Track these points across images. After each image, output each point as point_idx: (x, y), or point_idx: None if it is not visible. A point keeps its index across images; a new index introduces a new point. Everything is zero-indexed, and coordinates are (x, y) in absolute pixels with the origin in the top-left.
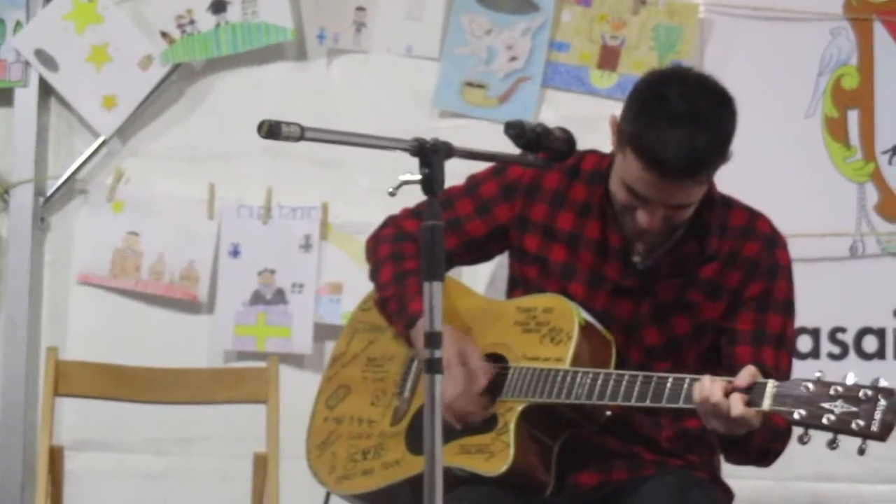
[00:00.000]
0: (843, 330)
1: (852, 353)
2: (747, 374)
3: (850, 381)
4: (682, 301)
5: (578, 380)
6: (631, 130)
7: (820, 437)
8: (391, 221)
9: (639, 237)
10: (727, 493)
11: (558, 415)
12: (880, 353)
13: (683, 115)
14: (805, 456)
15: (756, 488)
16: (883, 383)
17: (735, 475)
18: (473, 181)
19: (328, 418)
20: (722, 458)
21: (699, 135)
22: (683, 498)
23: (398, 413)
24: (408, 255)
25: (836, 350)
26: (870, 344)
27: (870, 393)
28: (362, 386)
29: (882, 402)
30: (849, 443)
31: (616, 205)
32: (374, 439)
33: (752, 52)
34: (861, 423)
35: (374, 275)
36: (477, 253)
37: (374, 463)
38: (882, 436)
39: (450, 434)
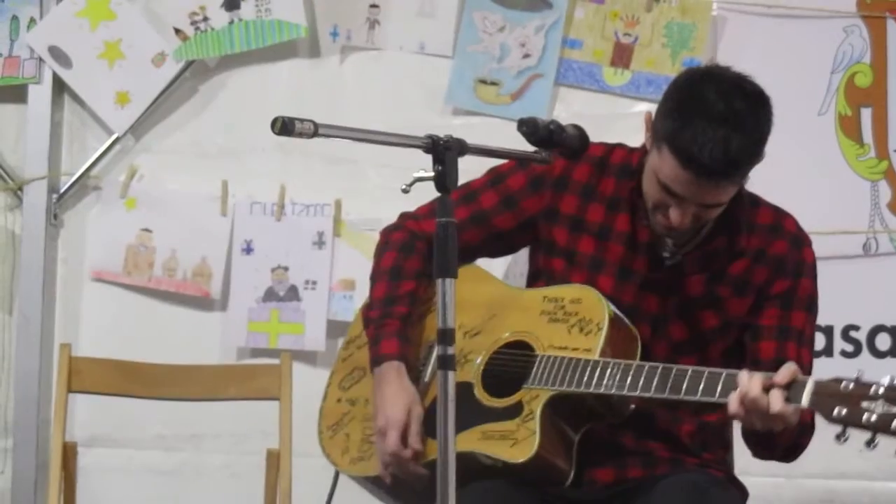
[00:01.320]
0: (856, 328)
1: (865, 351)
2: (787, 371)
3: (891, 381)
4: (710, 296)
5: (609, 371)
6: (668, 128)
7: (828, 433)
8: (404, 224)
9: (667, 233)
10: (742, 492)
11: (583, 406)
12: (893, 351)
13: (721, 116)
14: (817, 453)
15: (768, 485)
16: None
17: (747, 472)
18: (498, 174)
19: (342, 399)
20: (735, 455)
21: (735, 136)
22: (702, 496)
23: None
24: (407, 274)
25: (850, 348)
26: (883, 342)
27: None
28: None
29: None
30: (858, 439)
31: (647, 201)
32: None
33: (764, 50)
34: None
35: (371, 282)
36: (502, 245)
37: None
38: None
39: (472, 420)
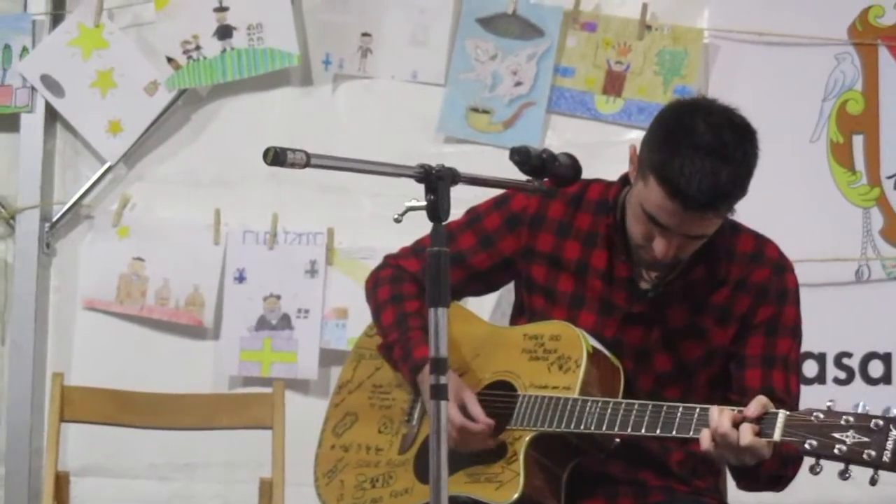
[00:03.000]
0: (848, 355)
1: (858, 379)
2: (758, 404)
3: (861, 410)
4: (692, 327)
5: (588, 409)
6: (655, 159)
7: (830, 465)
8: (389, 262)
9: (651, 267)
10: None
11: (567, 443)
12: (886, 378)
13: (709, 148)
14: (810, 481)
15: None
16: (894, 413)
17: (740, 500)
18: (475, 214)
19: (335, 446)
20: (727, 484)
21: (724, 168)
22: None
23: (406, 441)
24: (407, 297)
25: (842, 375)
26: (876, 369)
27: (881, 423)
28: (369, 413)
29: (894, 433)
30: (858, 469)
31: (632, 237)
32: (382, 467)
33: (756, 77)
34: (872, 453)
35: (376, 318)
36: (482, 285)
37: (383, 492)
38: (894, 466)
39: (458, 463)
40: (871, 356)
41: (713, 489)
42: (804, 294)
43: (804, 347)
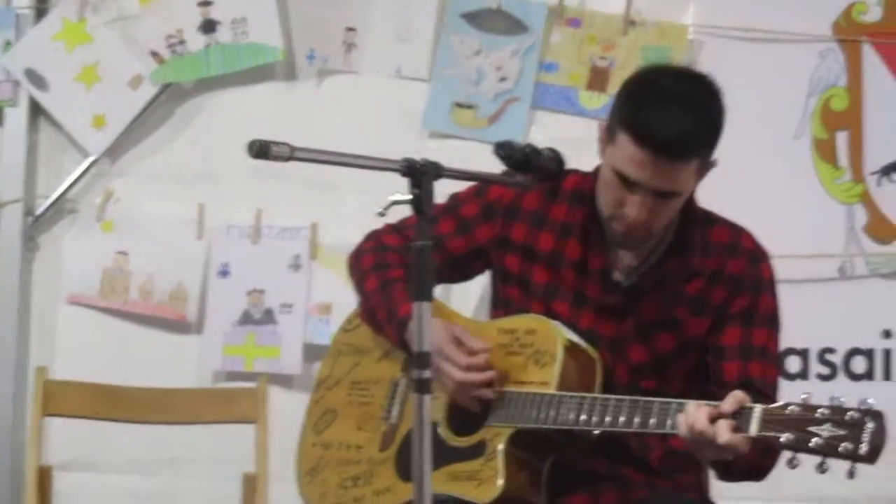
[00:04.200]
0: (831, 351)
1: (841, 374)
2: (734, 399)
3: (836, 403)
4: (667, 318)
5: (564, 405)
6: (622, 114)
7: (810, 460)
8: (372, 235)
9: (625, 240)
10: None
11: (546, 438)
12: (869, 374)
13: (676, 96)
14: (794, 477)
15: None
16: (870, 403)
17: (725, 496)
18: (456, 200)
19: (316, 444)
20: (710, 479)
21: (690, 116)
22: None
23: (386, 438)
24: (391, 265)
25: (825, 371)
26: (858, 365)
27: (856, 416)
28: (348, 410)
29: (869, 425)
30: (839, 464)
31: (604, 210)
32: (363, 465)
33: (740, 74)
34: (849, 446)
35: (360, 286)
36: (458, 271)
37: (365, 490)
38: (870, 459)
39: (438, 461)
40: (854, 352)
41: (695, 484)
42: (787, 290)
43: (787, 343)
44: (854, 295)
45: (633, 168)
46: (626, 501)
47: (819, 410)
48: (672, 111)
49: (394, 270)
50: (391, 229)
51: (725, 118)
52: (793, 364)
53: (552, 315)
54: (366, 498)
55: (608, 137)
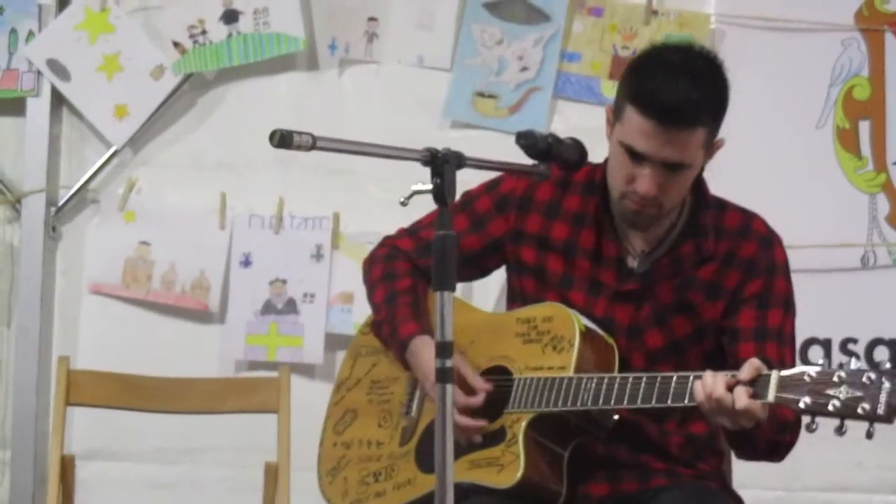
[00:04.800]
0: (854, 340)
1: (863, 364)
2: (750, 366)
3: (853, 366)
4: (682, 302)
5: (583, 386)
6: (628, 86)
7: (827, 447)
8: (385, 242)
9: (636, 218)
10: (738, 502)
11: (566, 423)
12: (892, 363)
13: (680, 67)
14: (816, 465)
15: (768, 499)
16: (886, 366)
17: (745, 485)
18: (468, 197)
19: (337, 443)
20: (732, 468)
21: (695, 85)
22: None
23: (406, 433)
24: (399, 275)
25: (847, 360)
26: (881, 354)
27: (873, 376)
28: (368, 409)
29: (887, 385)
30: (859, 452)
31: (615, 188)
32: (384, 461)
33: (763, 63)
34: (867, 406)
35: (369, 296)
36: (474, 269)
37: (386, 485)
38: (889, 418)
39: (459, 450)
40: (876, 342)
41: (716, 472)
42: (810, 280)
43: (810, 333)
44: (876, 285)
45: (640, 139)
46: (647, 490)
47: (836, 374)
48: (677, 80)
49: (400, 281)
50: (404, 233)
51: (728, 94)
52: (815, 354)
53: (568, 304)
54: (387, 492)
55: (615, 116)
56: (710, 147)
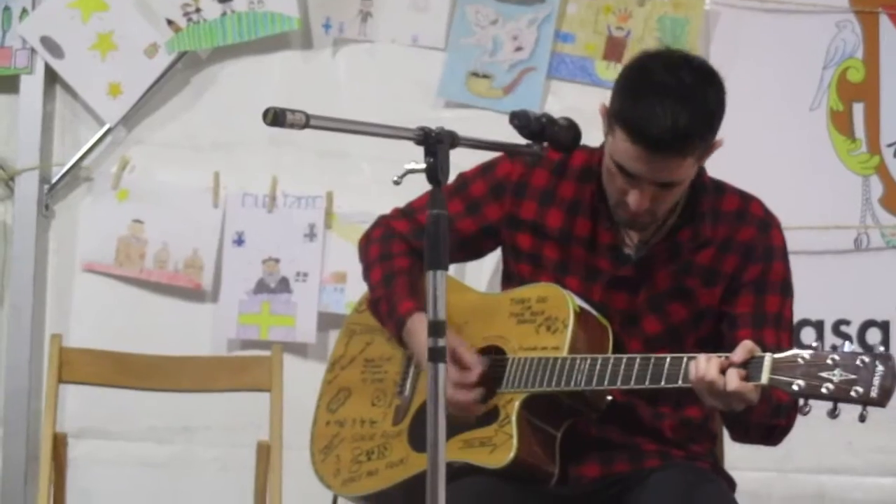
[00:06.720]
0: (846, 322)
1: (856, 346)
2: (743, 349)
3: (846, 349)
4: (679, 288)
5: (577, 366)
6: (618, 107)
7: (818, 429)
8: (381, 221)
9: (631, 225)
10: (730, 483)
11: (559, 403)
12: (884, 346)
13: (667, 89)
14: (808, 448)
15: (759, 480)
16: (880, 349)
17: (737, 467)
18: (463, 179)
19: (330, 422)
20: (724, 449)
21: (684, 109)
22: (691, 493)
23: (399, 412)
24: (396, 254)
25: (840, 343)
26: (873, 336)
27: (867, 359)
28: (362, 388)
29: (880, 368)
30: (851, 435)
31: (610, 196)
32: (377, 440)
33: (757, 45)
34: (860, 389)
35: (366, 276)
36: (468, 251)
37: (379, 463)
38: (882, 401)
39: (452, 429)
40: (868, 324)
41: (708, 454)
42: (803, 262)
43: (802, 314)
44: (869, 267)
45: (631, 163)
46: (639, 470)
47: (830, 357)
48: (662, 105)
49: (398, 260)
50: (399, 213)
51: (724, 105)
52: (808, 336)
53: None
54: (380, 471)
55: (608, 126)
56: (706, 153)
